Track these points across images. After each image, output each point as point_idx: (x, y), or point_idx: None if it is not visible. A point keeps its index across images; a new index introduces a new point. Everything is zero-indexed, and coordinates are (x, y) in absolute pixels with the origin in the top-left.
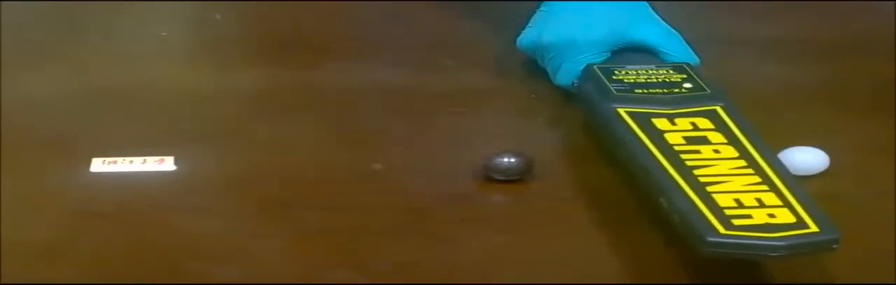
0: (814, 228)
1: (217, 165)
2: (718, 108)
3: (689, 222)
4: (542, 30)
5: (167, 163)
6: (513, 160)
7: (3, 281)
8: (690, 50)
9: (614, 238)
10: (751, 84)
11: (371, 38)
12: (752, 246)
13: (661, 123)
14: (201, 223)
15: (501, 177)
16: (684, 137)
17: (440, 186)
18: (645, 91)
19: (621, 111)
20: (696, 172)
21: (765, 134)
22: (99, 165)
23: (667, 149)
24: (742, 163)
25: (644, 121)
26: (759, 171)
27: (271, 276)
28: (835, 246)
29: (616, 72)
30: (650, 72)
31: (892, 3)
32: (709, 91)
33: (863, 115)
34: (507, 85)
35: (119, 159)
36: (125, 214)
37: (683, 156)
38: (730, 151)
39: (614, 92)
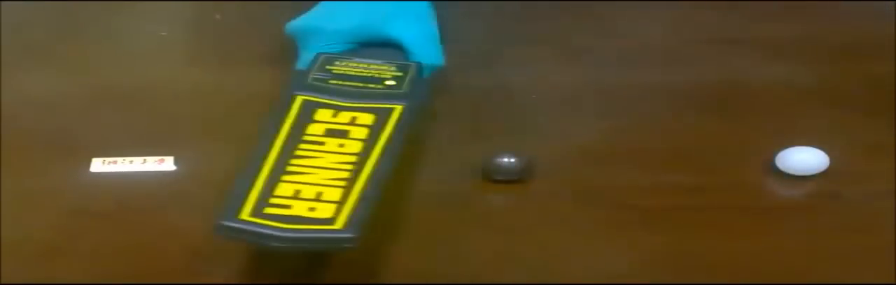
0: (337, 226)
1: (217, 165)
2: (398, 107)
3: (225, 204)
4: (303, 17)
5: (167, 163)
6: (513, 160)
7: (3, 281)
8: (439, 52)
9: (614, 238)
10: (751, 84)
11: None
12: (254, 234)
13: (321, 114)
14: (201, 223)
15: (501, 177)
16: (327, 129)
17: (440, 186)
18: (340, 82)
19: (298, 98)
20: (293, 161)
21: (765, 134)
22: (99, 165)
23: (295, 137)
24: (351, 158)
25: (307, 110)
26: (356, 169)
27: (270, 276)
28: (347, 245)
29: (337, 62)
30: (372, 67)
31: (893, 3)
32: (403, 90)
33: (862, 115)
34: (504, 84)
35: (119, 159)
36: (125, 214)
37: (301, 145)
38: (354, 147)
39: (310, 80)
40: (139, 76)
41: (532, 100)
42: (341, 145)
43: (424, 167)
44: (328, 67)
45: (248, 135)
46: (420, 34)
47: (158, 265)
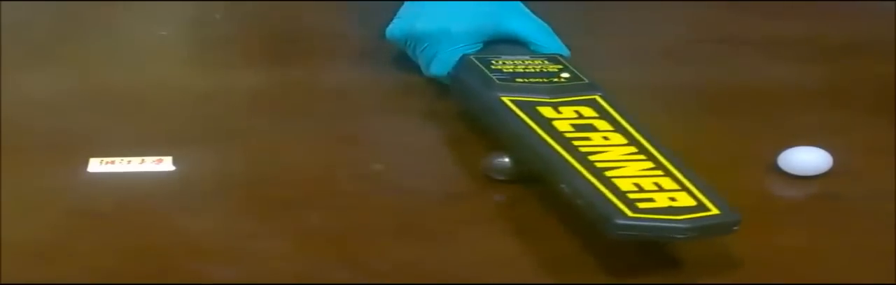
0: (715, 211)
1: (216, 165)
2: (598, 97)
3: (596, 206)
4: (413, 20)
5: (165, 164)
6: (513, 160)
7: (2, 281)
8: (560, 42)
9: (614, 237)
10: (751, 84)
11: (371, 37)
12: (659, 229)
13: (546, 111)
14: (200, 223)
15: (501, 177)
16: (572, 125)
17: (440, 186)
18: (526, 80)
19: (506, 100)
20: (592, 158)
21: (765, 134)
22: (97, 165)
23: (558, 136)
24: (633, 149)
25: (530, 110)
26: (650, 157)
27: (271, 276)
28: (735, 227)
29: (493, 62)
30: (527, 62)
31: (893, 3)
32: (586, 81)
33: (863, 115)
34: None
35: (117, 159)
36: (124, 214)
37: (576, 143)
38: (618, 138)
39: (497, 81)
40: (139, 76)
41: None
42: (606, 138)
43: (424, 167)
44: (494, 67)
45: (246, 135)
46: (537, 27)
47: (158, 265)
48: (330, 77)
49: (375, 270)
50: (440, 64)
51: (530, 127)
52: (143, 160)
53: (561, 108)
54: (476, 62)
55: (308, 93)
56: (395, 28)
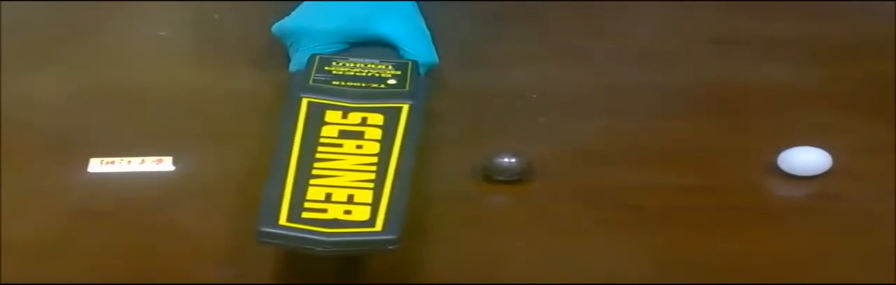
0: (377, 228)
1: (216, 165)
2: (405, 106)
3: (261, 211)
4: (289, 18)
5: (165, 164)
6: (513, 160)
7: (2, 281)
8: (433, 50)
9: (614, 238)
10: (751, 84)
11: None
12: (299, 240)
13: (331, 115)
14: (200, 223)
15: (501, 177)
16: (340, 131)
17: (440, 186)
18: (342, 83)
19: (304, 100)
20: (317, 164)
21: (765, 134)
22: (97, 165)
23: (311, 139)
24: (372, 159)
25: (316, 112)
26: (380, 169)
27: (270, 276)
28: (391, 246)
29: (334, 63)
30: (369, 66)
31: (893, 3)
32: (407, 89)
33: (863, 116)
34: (504, 84)
35: (117, 159)
36: (124, 214)
37: (320, 148)
38: (372, 147)
39: (311, 82)
40: (139, 76)
41: (532, 100)
42: (359, 147)
43: (425, 167)
44: (326, 68)
45: (246, 135)
46: (411, 31)
47: (158, 265)
48: None
49: (375, 270)
50: (295, 62)
51: (294, 128)
52: (143, 160)
53: (352, 114)
54: (314, 61)
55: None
56: (276, 25)
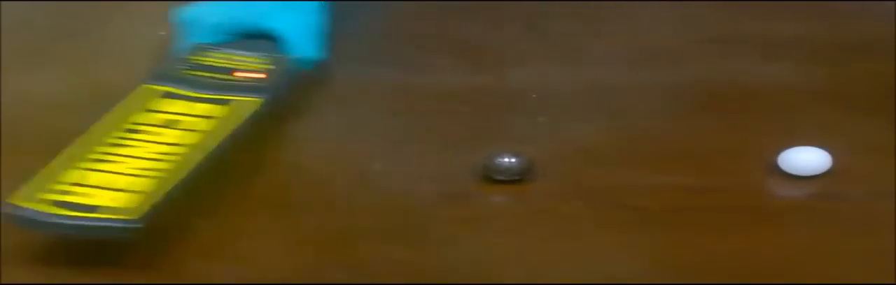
0: (119, 215)
1: (216, 165)
2: (253, 100)
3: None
4: (189, 6)
5: None
6: (513, 160)
7: (3, 281)
8: (319, 45)
9: (614, 238)
10: (751, 84)
11: (370, 37)
12: (30, 221)
13: (164, 104)
14: (201, 223)
15: (501, 177)
16: (164, 119)
17: (440, 186)
18: (197, 73)
19: (146, 87)
20: (105, 149)
21: (765, 134)
22: None
23: (121, 125)
24: (167, 149)
25: (148, 99)
26: (175, 161)
27: (270, 276)
28: (126, 233)
29: (208, 53)
30: (241, 58)
31: (893, 3)
32: (263, 84)
33: (863, 115)
34: (504, 84)
35: None
36: None
37: (122, 134)
38: (182, 138)
39: (167, 70)
40: (138, 76)
41: (532, 100)
42: (166, 136)
43: (424, 167)
44: (194, 57)
45: (246, 135)
46: (299, 26)
47: (158, 265)
48: (329, 77)
49: (375, 270)
50: (173, 50)
51: (114, 112)
52: None
53: (193, 104)
54: (186, 51)
55: (308, 93)
56: (176, 12)
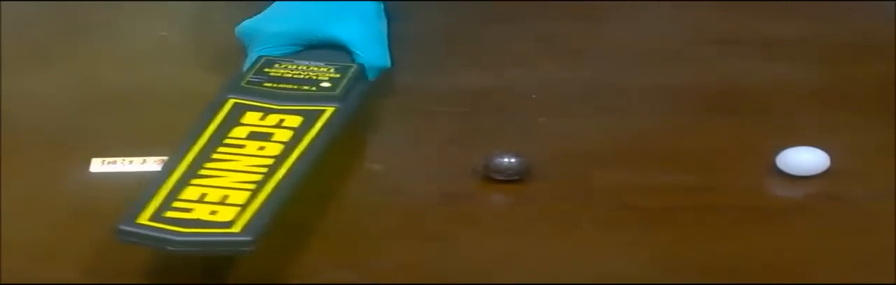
0: (235, 229)
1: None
2: (329, 109)
3: (125, 209)
4: (250, 19)
5: None
6: (513, 160)
7: (2, 281)
8: (385, 53)
9: (614, 238)
10: (751, 84)
11: None
12: (153, 239)
13: (249, 117)
14: None
15: (501, 177)
16: (251, 132)
17: (440, 186)
18: (274, 85)
19: (230, 101)
20: (207, 164)
21: (765, 134)
22: (99, 165)
23: (216, 139)
24: (267, 161)
25: (236, 113)
26: (270, 172)
27: (271, 276)
28: (245, 248)
29: (277, 65)
30: (311, 69)
31: (893, 3)
32: (337, 92)
33: (863, 115)
34: (504, 84)
35: (119, 159)
36: None
37: (219, 149)
38: (274, 149)
39: (244, 83)
40: (139, 76)
41: (532, 100)
42: (261, 148)
43: (424, 167)
44: (266, 70)
45: None
46: (363, 34)
47: (158, 265)
48: None
49: (375, 270)
50: (247, 63)
51: (204, 128)
52: (144, 160)
53: (272, 115)
54: (256, 63)
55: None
56: (238, 27)
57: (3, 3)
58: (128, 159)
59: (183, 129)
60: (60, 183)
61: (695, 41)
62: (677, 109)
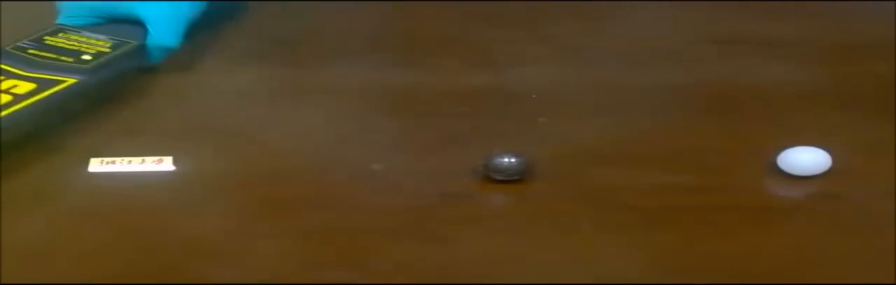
0: None
1: (216, 165)
2: (69, 81)
3: None
4: None
5: (166, 163)
6: (513, 160)
7: (2, 281)
8: (177, 34)
9: (614, 238)
10: (751, 84)
11: (371, 37)
12: None
13: None
14: (200, 223)
15: (501, 177)
16: None
17: (440, 186)
18: (36, 52)
19: None
20: None
21: (765, 134)
22: (97, 165)
23: None
24: None
25: None
26: None
27: (271, 276)
28: None
29: (61, 34)
30: (90, 41)
31: (893, 3)
32: (88, 66)
33: (863, 115)
34: (504, 84)
35: (117, 159)
36: (124, 214)
37: None
38: None
39: (10, 48)
40: (139, 76)
41: (532, 100)
42: None
43: (424, 167)
44: (46, 38)
45: (246, 134)
46: (161, 13)
47: (158, 265)
48: (330, 77)
49: (375, 270)
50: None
51: None
52: (143, 160)
53: (10, 80)
54: (47, 31)
55: (308, 93)
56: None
57: (2, 3)
58: (126, 159)
59: (182, 129)
60: (60, 183)
61: (695, 41)
62: (677, 109)
